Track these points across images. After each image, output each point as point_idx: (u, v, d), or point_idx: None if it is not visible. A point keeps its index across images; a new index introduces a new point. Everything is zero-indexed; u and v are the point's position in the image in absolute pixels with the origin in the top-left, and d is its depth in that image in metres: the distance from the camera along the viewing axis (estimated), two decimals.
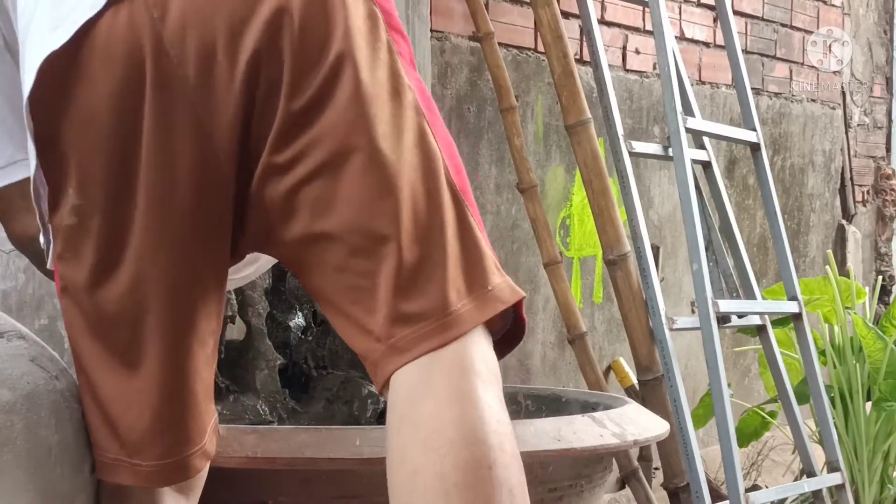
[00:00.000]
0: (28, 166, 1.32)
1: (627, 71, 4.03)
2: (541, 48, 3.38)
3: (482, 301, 1.26)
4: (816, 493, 3.06)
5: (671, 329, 2.74)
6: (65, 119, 1.27)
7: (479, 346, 1.25)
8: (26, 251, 1.53)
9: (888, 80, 5.81)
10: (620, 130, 2.82)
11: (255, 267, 1.59)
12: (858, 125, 5.56)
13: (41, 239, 1.35)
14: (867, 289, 3.88)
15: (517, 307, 1.30)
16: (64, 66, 1.25)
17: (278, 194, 1.26)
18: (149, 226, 1.27)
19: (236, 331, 2.29)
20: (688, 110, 2.95)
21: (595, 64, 2.86)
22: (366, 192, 1.24)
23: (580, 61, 3.59)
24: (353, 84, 1.24)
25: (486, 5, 3.30)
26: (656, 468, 3.34)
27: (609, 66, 2.90)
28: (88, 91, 1.25)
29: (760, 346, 3.12)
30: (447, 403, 1.21)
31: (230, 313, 2.19)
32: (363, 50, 1.25)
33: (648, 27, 3.89)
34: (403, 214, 1.24)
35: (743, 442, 3.51)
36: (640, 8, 3.96)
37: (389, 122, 1.25)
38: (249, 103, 1.25)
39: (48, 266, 1.36)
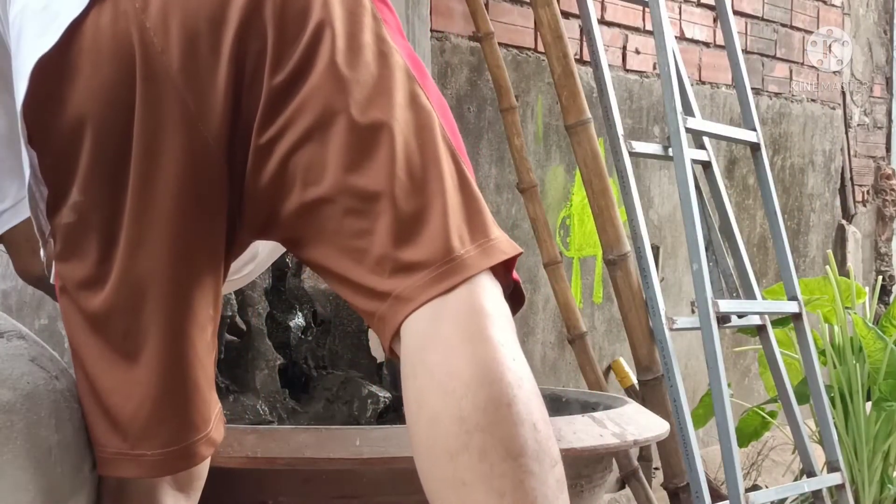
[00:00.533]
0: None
1: (627, 71, 4.03)
2: (541, 48, 3.38)
3: (486, 249, 1.24)
4: (816, 493, 3.05)
5: (671, 329, 2.74)
6: (61, 119, 1.26)
7: (488, 291, 1.22)
8: (35, 286, 1.53)
9: (888, 80, 5.81)
10: (620, 130, 2.82)
11: (254, 264, 1.58)
12: (858, 125, 5.56)
13: (41, 253, 1.35)
14: (867, 289, 3.88)
15: (511, 268, 1.28)
16: (55, 68, 1.25)
17: (269, 172, 1.25)
18: (140, 214, 1.27)
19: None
20: (688, 110, 2.95)
21: (595, 64, 2.86)
22: (351, 152, 1.23)
23: (580, 61, 3.59)
24: (332, 50, 1.23)
25: (486, 5, 3.30)
26: (656, 468, 3.34)
27: (609, 66, 2.90)
28: (82, 89, 1.25)
29: (760, 346, 3.12)
30: (459, 345, 1.18)
31: (230, 313, 2.19)
32: (343, 17, 1.25)
33: (648, 27, 3.89)
34: (397, 169, 1.23)
35: (743, 442, 3.51)
36: (640, 8, 3.96)
37: (374, 84, 1.24)
38: (238, 80, 1.24)
39: (51, 280, 1.35)
